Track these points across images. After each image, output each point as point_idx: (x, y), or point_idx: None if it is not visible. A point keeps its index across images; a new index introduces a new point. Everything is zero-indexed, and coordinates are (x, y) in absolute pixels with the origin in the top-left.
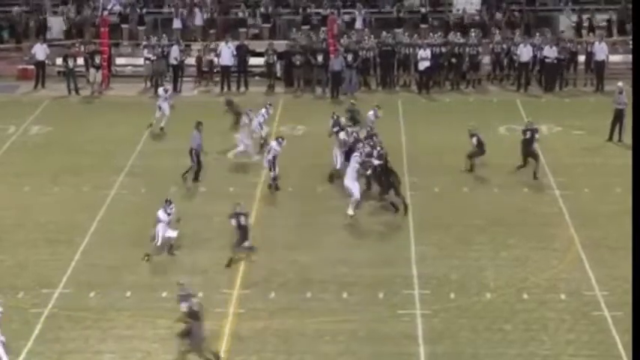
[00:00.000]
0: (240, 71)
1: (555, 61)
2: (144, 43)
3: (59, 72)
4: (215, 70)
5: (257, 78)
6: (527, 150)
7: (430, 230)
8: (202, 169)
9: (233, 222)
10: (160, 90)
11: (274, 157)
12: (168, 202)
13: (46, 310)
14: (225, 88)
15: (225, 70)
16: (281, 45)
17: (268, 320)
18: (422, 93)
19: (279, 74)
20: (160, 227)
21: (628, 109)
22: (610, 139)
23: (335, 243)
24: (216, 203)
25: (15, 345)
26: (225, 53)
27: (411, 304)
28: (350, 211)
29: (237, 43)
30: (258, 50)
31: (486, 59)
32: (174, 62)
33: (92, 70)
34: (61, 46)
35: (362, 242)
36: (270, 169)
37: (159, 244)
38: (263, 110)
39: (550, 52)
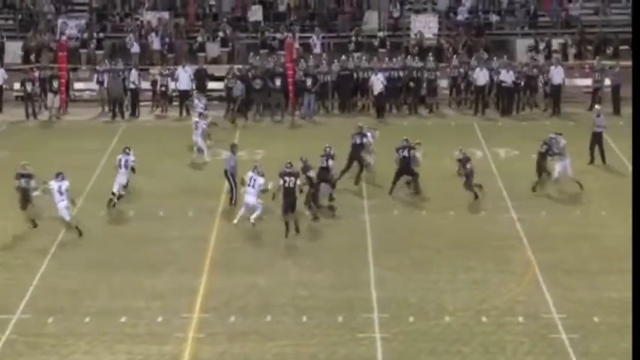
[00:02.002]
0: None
1: (512, 85)
2: (97, 67)
3: (17, 97)
4: (173, 94)
5: (216, 102)
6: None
7: (389, 253)
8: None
9: (280, 181)
10: (195, 101)
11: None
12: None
13: (4, 337)
14: (184, 113)
15: (184, 95)
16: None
17: (228, 344)
18: (379, 117)
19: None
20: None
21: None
22: (591, 162)
23: (294, 266)
24: (174, 227)
25: None
26: (183, 77)
27: (371, 327)
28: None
29: (195, 67)
30: (217, 74)
31: (444, 83)
32: (133, 86)
33: (50, 95)
34: (19, 70)
35: (321, 265)
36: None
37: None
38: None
39: (506, 77)
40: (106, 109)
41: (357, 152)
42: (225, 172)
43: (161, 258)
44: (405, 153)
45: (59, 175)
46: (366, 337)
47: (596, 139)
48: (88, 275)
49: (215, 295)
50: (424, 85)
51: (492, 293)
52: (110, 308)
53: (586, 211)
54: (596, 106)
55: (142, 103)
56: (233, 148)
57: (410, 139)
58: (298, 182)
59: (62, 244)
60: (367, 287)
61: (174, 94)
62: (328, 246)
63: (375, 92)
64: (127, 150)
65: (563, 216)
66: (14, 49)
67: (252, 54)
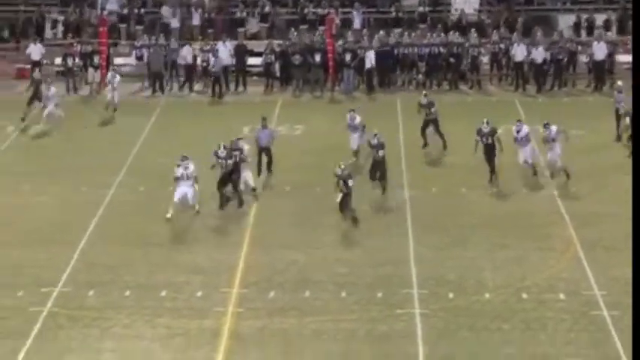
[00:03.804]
0: (239, 70)
1: (542, 62)
2: (136, 43)
3: (58, 71)
4: (213, 70)
5: (255, 78)
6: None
7: (428, 230)
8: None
9: (341, 183)
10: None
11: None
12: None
13: (46, 309)
14: (224, 88)
15: (224, 70)
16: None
17: (267, 319)
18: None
19: (277, 74)
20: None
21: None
22: (618, 139)
23: (333, 243)
24: (214, 203)
25: (14, 344)
26: (223, 53)
27: (410, 303)
28: None
29: (235, 42)
30: (256, 50)
31: (485, 59)
32: (183, 62)
33: (91, 70)
34: (60, 45)
35: (360, 242)
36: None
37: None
38: None
39: (537, 54)
40: (146, 83)
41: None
42: (259, 147)
43: (201, 233)
44: (490, 139)
45: (185, 159)
46: (405, 313)
47: (620, 115)
48: (128, 250)
49: (254, 271)
50: (465, 61)
51: (532, 270)
52: (150, 283)
53: (628, 188)
54: (618, 82)
55: (182, 79)
56: (263, 122)
57: (490, 120)
58: (351, 183)
59: (102, 219)
60: (406, 264)
61: (213, 69)
62: (367, 223)
63: (420, 68)
64: (184, 159)
65: (605, 192)
66: (55, 25)
67: (291, 29)
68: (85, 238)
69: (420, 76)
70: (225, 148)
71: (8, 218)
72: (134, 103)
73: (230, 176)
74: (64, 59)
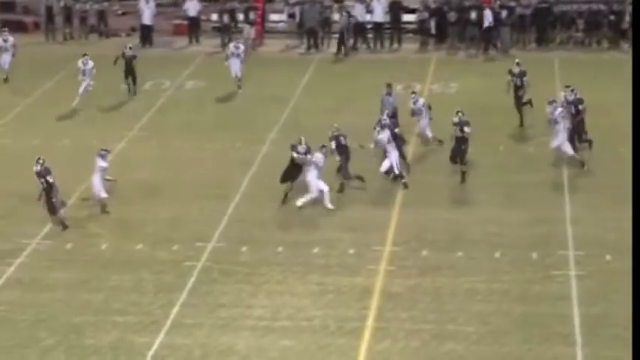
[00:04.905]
0: (394, 28)
1: None
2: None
3: (213, 27)
4: (368, 27)
5: (410, 35)
6: None
7: (584, 191)
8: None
9: (333, 144)
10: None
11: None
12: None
13: (200, 264)
14: (378, 45)
15: (377, 27)
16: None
17: (419, 278)
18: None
19: (432, 31)
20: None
21: None
22: None
23: (485, 202)
24: (367, 162)
25: (169, 297)
26: (378, 10)
27: (566, 264)
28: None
29: None
30: (411, 7)
31: None
32: (353, 21)
33: (246, 26)
34: (216, 1)
35: (515, 202)
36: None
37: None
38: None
39: None
40: (304, 41)
41: None
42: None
43: (353, 191)
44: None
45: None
46: (560, 275)
47: None
48: (281, 207)
49: (406, 229)
50: (626, 18)
51: None
52: (302, 239)
53: None
54: None
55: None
56: (388, 88)
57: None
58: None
59: (255, 175)
60: (563, 224)
61: (369, 26)
62: (521, 183)
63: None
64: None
65: None
66: None
67: None
68: (238, 194)
69: (579, 33)
70: (305, 144)
71: (165, 174)
72: (289, 60)
73: (295, 171)
74: (220, 15)
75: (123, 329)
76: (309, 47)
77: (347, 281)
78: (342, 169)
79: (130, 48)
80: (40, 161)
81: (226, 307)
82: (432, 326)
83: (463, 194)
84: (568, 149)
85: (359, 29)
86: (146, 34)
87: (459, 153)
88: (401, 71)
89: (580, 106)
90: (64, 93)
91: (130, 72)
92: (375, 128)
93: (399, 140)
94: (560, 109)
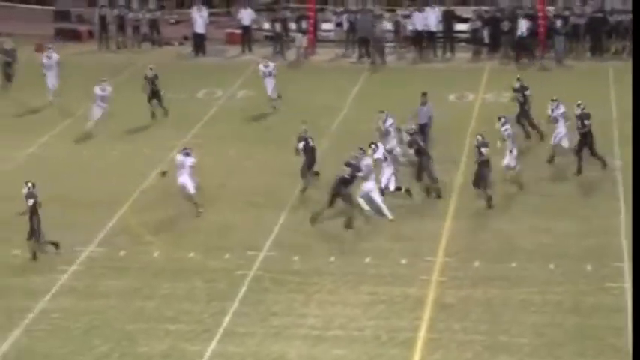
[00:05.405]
0: (447, 37)
1: None
2: (336, 10)
3: (266, 36)
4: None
5: (463, 44)
6: None
7: None
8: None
9: (300, 145)
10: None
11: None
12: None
13: (251, 272)
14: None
15: (430, 36)
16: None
17: (472, 289)
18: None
19: (485, 40)
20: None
21: None
22: None
23: (537, 212)
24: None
25: (221, 305)
26: (431, 19)
27: (621, 276)
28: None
29: (443, 8)
30: (464, 16)
31: None
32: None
33: (298, 35)
34: (268, 10)
35: (567, 212)
36: None
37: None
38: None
39: None
40: (355, 50)
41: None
42: (418, 124)
43: (405, 202)
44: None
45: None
46: (615, 287)
47: None
48: (333, 216)
49: (458, 240)
50: None
51: None
52: (354, 249)
53: None
54: None
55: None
56: (423, 98)
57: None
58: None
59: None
60: (617, 235)
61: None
62: (573, 193)
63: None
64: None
65: None
66: None
67: None
68: (289, 202)
69: None
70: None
71: (216, 182)
72: (340, 68)
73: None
74: (272, 24)
75: (175, 337)
76: (360, 56)
77: (399, 291)
78: (302, 168)
79: (151, 69)
80: (29, 185)
81: (278, 315)
82: (485, 337)
83: (511, 204)
84: (565, 143)
85: (417, 39)
86: (199, 42)
87: (481, 177)
88: (454, 81)
89: (586, 121)
90: (117, 101)
91: (154, 94)
92: (370, 146)
93: (423, 156)
94: (562, 109)
